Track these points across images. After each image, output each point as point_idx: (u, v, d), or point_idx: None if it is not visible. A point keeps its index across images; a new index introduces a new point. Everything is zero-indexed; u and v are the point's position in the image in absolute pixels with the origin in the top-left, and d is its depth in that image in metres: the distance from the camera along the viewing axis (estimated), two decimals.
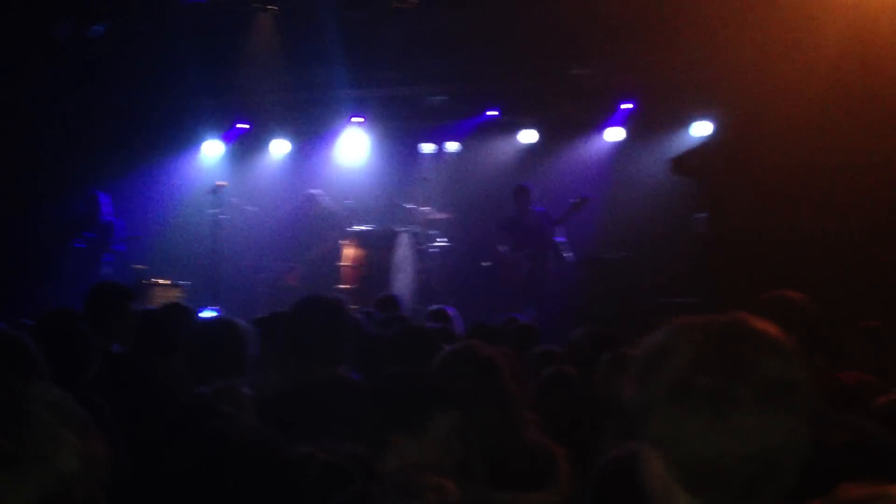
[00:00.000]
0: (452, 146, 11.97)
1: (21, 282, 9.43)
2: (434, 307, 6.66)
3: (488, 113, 11.54)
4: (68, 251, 9.82)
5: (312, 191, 11.24)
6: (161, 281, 9.54)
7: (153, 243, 10.56)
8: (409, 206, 11.15)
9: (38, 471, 1.15)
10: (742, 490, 1.38)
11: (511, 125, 11.64)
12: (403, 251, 10.41)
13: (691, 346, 1.43)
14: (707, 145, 9.89)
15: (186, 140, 11.82)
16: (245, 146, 12.16)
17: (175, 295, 9.47)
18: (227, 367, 3.44)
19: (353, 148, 11.89)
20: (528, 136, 11.60)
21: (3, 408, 1.16)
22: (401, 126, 11.86)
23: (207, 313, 8.62)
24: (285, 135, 12.10)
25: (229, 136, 12.09)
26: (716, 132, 9.94)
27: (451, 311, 6.29)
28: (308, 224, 11.12)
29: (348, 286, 10.10)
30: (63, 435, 1.18)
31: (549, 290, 9.70)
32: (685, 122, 10.65)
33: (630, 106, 10.84)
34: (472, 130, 11.74)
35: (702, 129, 10.54)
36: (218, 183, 10.21)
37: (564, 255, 9.89)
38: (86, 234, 9.84)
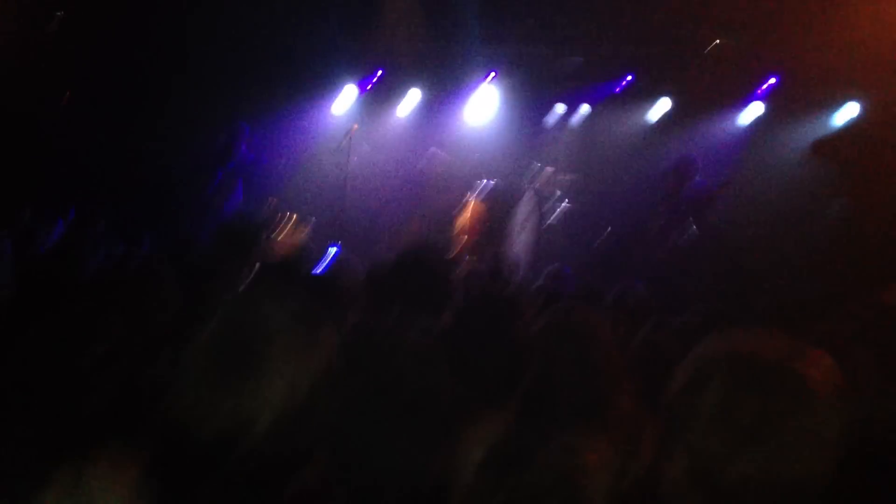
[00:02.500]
0: (584, 109, 11.83)
1: (164, 213, 9.92)
2: (552, 267, 6.67)
3: (624, 79, 11.32)
4: (209, 182, 10.24)
5: (434, 149, 11.31)
6: (290, 216, 9.84)
7: (285, 180, 10.89)
8: (535, 165, 11.13)
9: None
10: None
11: (646, 92, 11.39)
12: (527, 209, 10.41)
13: (730, 381, 1.53)
14: (853, 129, 9.43)
15: (323, 84, 12.06)
16: (378, 95, 12.33)
17: (302, 231, 9.78)
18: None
19: (486, 104, 11.90)
20: (664, 105, 11.34)
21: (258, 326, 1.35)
22: (533, 86, 11.76)
23: (331, 250, 8.90)
24: (419, 85, 12.21)
25: (364, 83, 12.29)
26: (863, 116, 9.46)
27: (568, 272, 6.30)
28: (432, 178, 11.24)
29: (469, 240, 10.19)
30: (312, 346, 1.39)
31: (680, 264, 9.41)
32: (831, 103, 10.16)
33: (773, 81, 10.42)
34: (606, 95, 11.55)
35: (849, 112, 10.04)
36: (353, 126, 10.40)
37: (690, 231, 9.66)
38: (229, 164, 10.23)
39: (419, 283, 3.38)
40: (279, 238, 8.28)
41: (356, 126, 10.34)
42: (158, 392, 1.29)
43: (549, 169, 10.95)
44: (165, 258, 3.43)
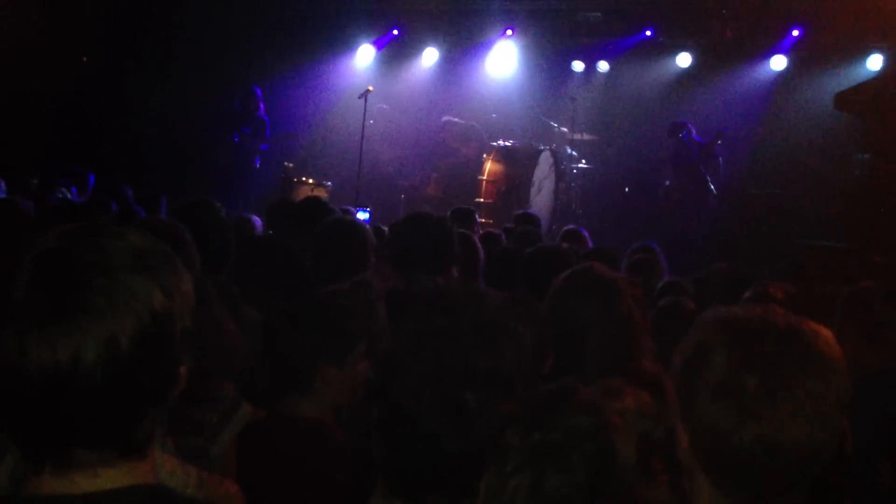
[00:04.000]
0: (603, 66, 11.66)
1: (179, 173, 9.92)
2: (568, 227, 6.62)
3: (644, 33, 11.13)
4: (225, 145, 10.22)
5: (446, 118, 11.20)
6: (307, 179, 9.85)
7: (302, 142, 10.87)
8: (554, 125, 11.02)
9: (130, 314, 1.23)
10: (755, 484, 1.51)
11: (667, 47, 11.20)
12: (545, 170, 10.34)
13: (734, 349, 1.52)
14: (877, 81, 9.23)
15: (340, 43, 11.98)
16: (396, 53, 12.24)
17: (320, 195, 9.77)
18: (352, 263, 3.66)
19: (503, 61, 11.77)
20: (684, 60, 11.15)
21: (87, 264, 1.24)
22: (552, 41, 11.62)
23: (361, 215, 8.88)
24: (436, 43, 12.09)
25: (381, 42, 12.19)
26: (887, 67, 9.26)
27: (584, 233, 6.25)
28: (448, 144, 11.18)
29: (487, 200, 10.15)
30: (144, 281, 1.25)
31: (698, 221, 9.38)
32: (856, 54, 9.95)
33: (797, 33, 10.21)
34: (626, 50, 11.37)
35: (875, 62, 9.83)
36: (368, 88, 10.33)
37: (711, 186, 9.57)
38: (243, 128, 10.19)
39: (424, 244, 3.49)
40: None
41: (371, 88, 10.25)
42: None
43: (568, 128, 10.85)
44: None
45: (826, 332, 1.55)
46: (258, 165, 10.16)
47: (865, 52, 9.88)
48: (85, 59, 10.86)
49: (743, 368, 1.50)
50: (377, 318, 2.74)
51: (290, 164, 10.08)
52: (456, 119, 11.13)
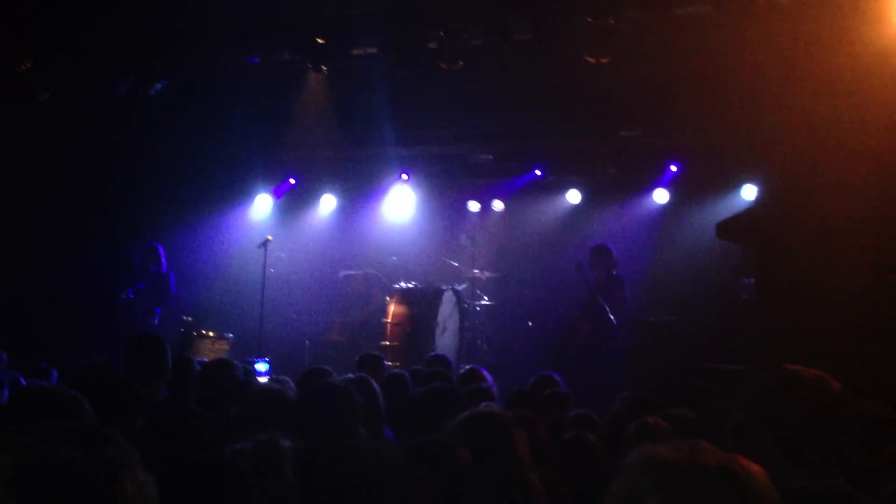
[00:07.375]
0: (498, 205, 12.05)
1: (74, 332, 9.61)
2: (465, 368, 6.64)
3: (534, 172, 11.61)
4: (120, 302, 9.99)
5: (343, 273, 11.35)
6: (208, 333, 9.67)
7: (202, 295, 10.73)
8: (454, 264, 11.22)
9: None
10: None
11: (556, 185, 11.69)
12: (448, 309, 10.44)
13: (667, 493, 1.46)
14: (754, 209, 9.80)
15: (238, 194, 12.07)
16: (294, 201, 12.39)
17: (221, 347, 9.59)
18: (275, 425, 3.60)
19: (400, 205, 12.04)
20: (574, 197, 11.63)
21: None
22: (447, 184, 12.00)
23: (260, 366, 8.72)
24: (333, 191, 12.31)
25: (279, 191, 12.34)
26: (762, 196, 9.86)
27: (483, 371, 6.27)
28: (349, 290, 11.26)
29: (392, 343, 10.14)
30: None
31: (607, 352, 9.47)
32: (732, 185, 10.58)
33: (675, 168, 10.82)
34: (518, 189, 11.82)
35: (749, 192, 10.45)
36: (267, 237, 10.36)
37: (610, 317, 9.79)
38: (138, 284, 9.99)
39: (318, 416, 3.52)
40: (197, 356, 8.06)
41: (270, 237, 10.29)
42: None
43: (468, 267, 11.05)
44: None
45: (758, 469, 1.52)
46: (157, 322, 9.91)
47: (740, 183, 10.50)
48: None
49: None
50: (283, 480, 2.65)
51: (189, 318, 9.90)
52: (352, 272, 11.26)
